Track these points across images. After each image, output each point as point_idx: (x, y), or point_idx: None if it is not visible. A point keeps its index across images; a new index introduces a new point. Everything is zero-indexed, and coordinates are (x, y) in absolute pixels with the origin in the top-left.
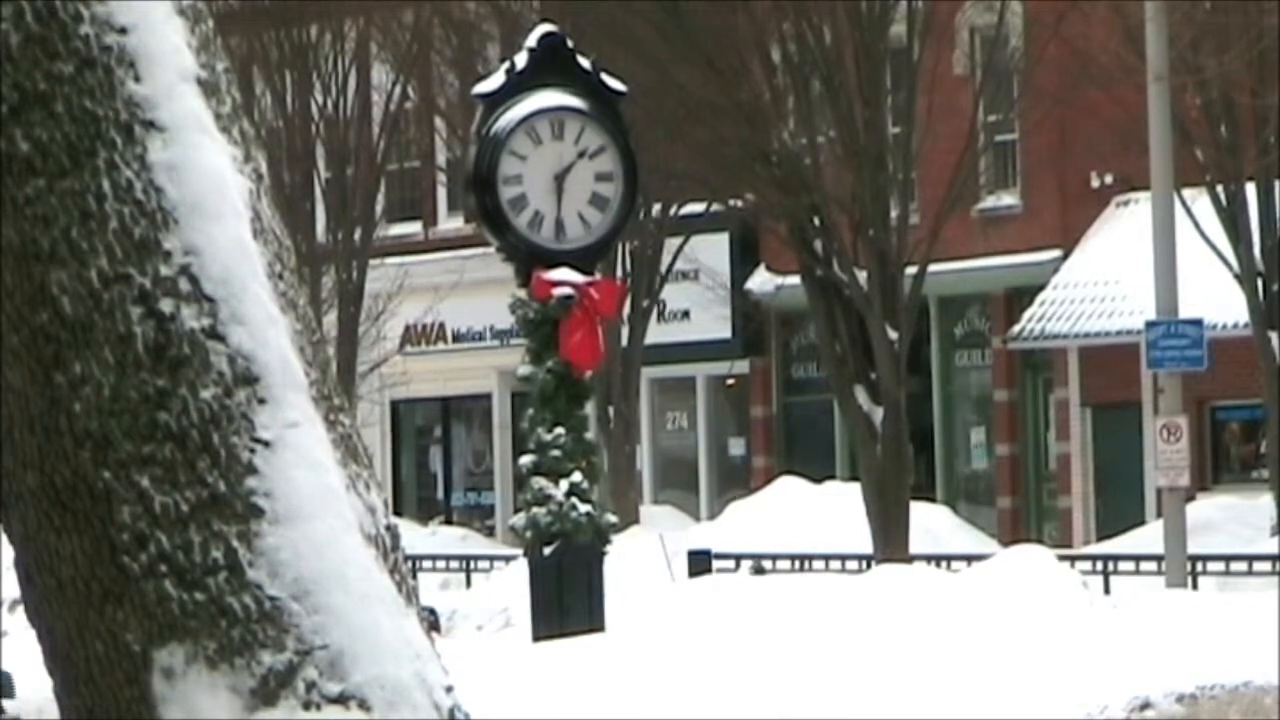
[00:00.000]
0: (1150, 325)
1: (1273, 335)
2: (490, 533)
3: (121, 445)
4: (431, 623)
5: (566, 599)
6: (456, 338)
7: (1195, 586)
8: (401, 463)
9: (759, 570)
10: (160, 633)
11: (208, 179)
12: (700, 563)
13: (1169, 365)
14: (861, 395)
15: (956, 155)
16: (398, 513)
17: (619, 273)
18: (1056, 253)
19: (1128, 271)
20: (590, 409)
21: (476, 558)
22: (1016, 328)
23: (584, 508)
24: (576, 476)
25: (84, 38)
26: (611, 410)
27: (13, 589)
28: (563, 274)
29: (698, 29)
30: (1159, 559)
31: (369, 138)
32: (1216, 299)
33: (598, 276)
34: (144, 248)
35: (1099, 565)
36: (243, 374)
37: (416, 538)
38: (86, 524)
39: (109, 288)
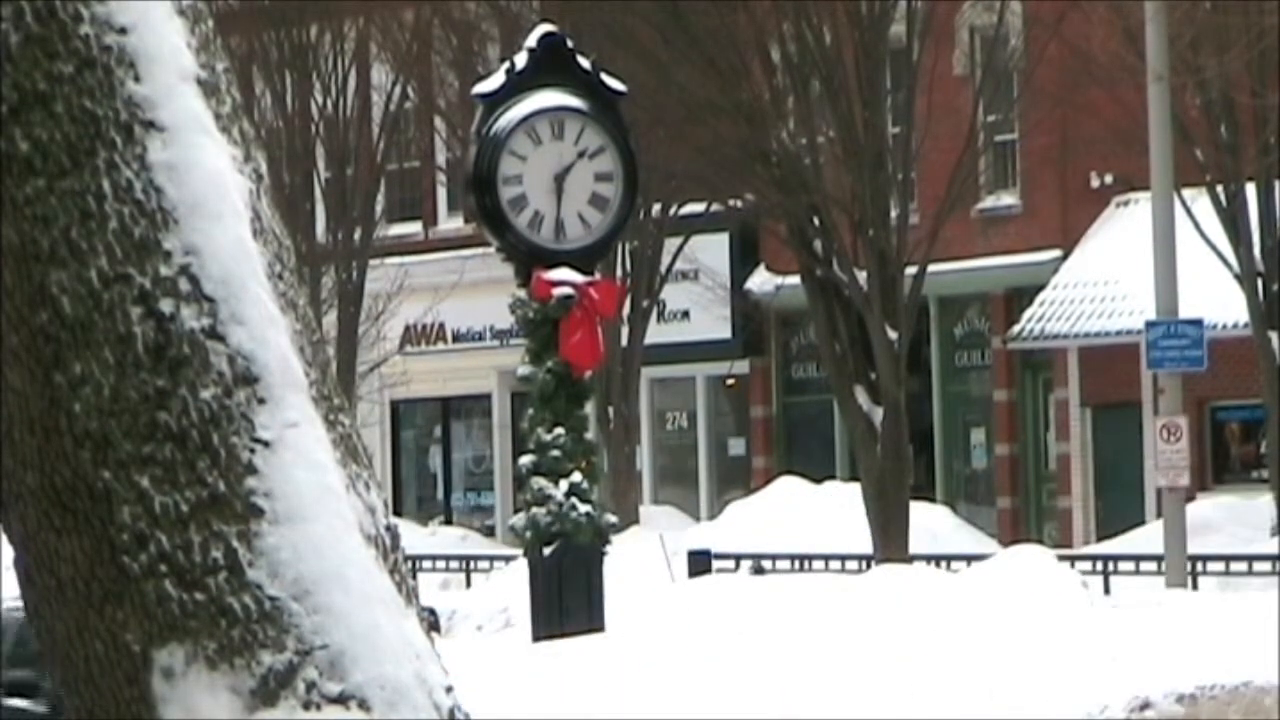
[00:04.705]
0: (1150, 325)
1: (1273, 335)
2: (490, 533)
3: (121, 445)
4: (431, 623)
5: (566, 599)
6: (456, 338)
7: (1195, 586)
8: (401, 463)
9: (759, 570)
10: (160, 633)
11: (208, 179)
12: (700, 563)
13: (1169, 365)
14: (861, 395)
15: (956, 155)
16: (398, 513)
17: (619, 273)
18: (1056, 253)
19: (1128, 271)
20: (590, 409)
21: (476, 558)
22: (1016, 328)
23: (584, 508)
24: (576, 476)
25: (84, 38)
26: (611, 410)
27: (13, 589)
28: (563, 274)
29: (698, 29)
30: (1159, 559)
31: (369, 138)
32: (1216, 299)
33: (597, 276)
34: (144, 248)
35: (1099, 565)
36: (243, 374)
37: (416, 538)
38: (86, 524)
39: (109, 288)
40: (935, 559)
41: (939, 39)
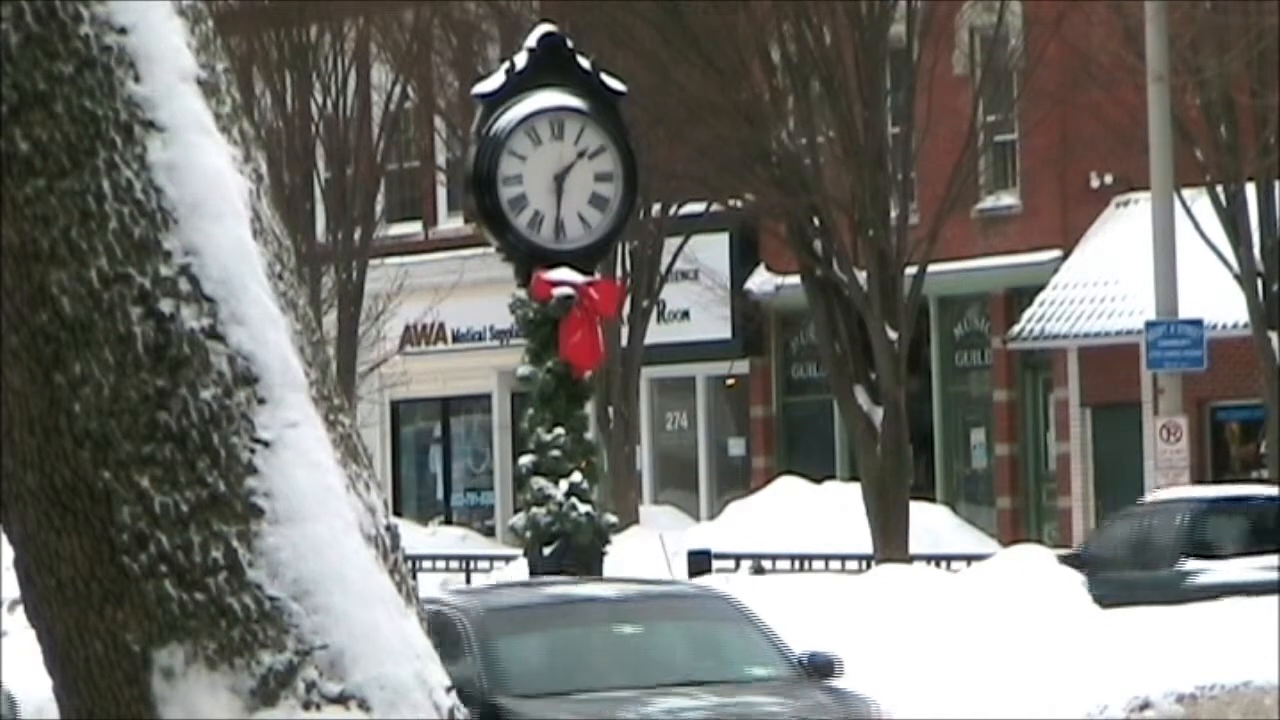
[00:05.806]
0: (1150, 325)
1: (1273, 335)
2: (490, 533)
3: (121, 445)
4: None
5: None
6: (456, 338)
7: None
8: (401, 463)
9: (759, 570)
10: (160, 633)
11: (208, 179)
12: (700, 563)
13: (1169, 365)
14: (861, 395)
15: (956, 155)
16: (398, 513)
17: (619, 273)
18: (1056, 253)
19: (1128, 271)
20: (590, 409)
21: (476, 558)
22: (1016, 328)
23: (584, 508)
24: (576, 476)
25: (84, 38)
26: (611, 410)
27: (13, 589)
28: (563, 274)
29: (698, 29)
30: None
31: (369, 138)
32: (1216, 299)
33: (597, 276)
34: (144, 248)
35: None
36: (243, 374)
37: (416, 538)
38: (86, 524)
39: (109, 288)
40: (935, 559)
41: (939, 39)
